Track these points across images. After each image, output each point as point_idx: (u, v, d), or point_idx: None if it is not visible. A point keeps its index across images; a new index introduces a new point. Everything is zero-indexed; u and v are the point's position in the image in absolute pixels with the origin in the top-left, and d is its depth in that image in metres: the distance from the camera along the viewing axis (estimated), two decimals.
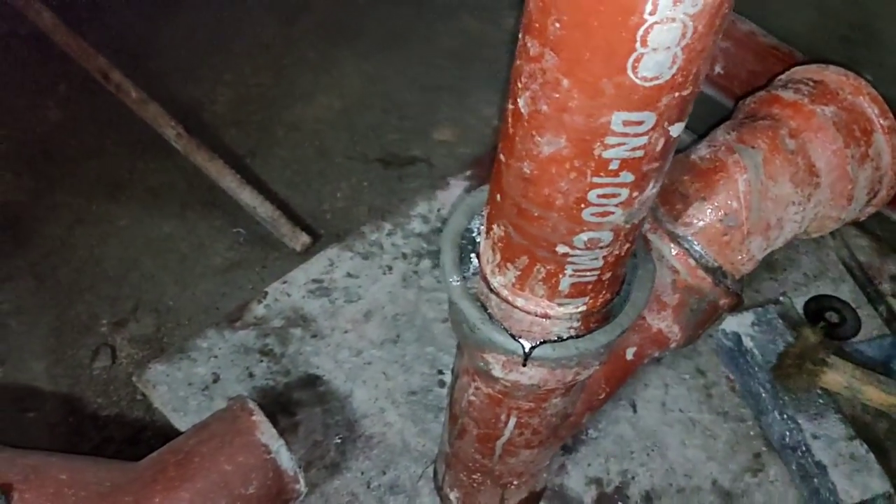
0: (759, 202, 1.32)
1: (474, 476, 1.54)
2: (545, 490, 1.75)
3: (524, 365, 1.12)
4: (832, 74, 1.44)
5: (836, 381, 1.83)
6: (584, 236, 0.96)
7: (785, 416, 1.85)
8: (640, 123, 0.82)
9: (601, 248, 0.99)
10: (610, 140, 0.84)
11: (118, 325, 2.05)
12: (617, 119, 0.81)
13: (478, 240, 1.17)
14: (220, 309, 2.09)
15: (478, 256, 1.16)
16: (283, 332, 1.99)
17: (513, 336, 1.10)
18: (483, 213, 1.11)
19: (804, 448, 1.80)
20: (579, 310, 1.09)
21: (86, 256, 2.20)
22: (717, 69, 2.38)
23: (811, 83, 1.43)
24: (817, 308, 2.18)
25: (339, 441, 1.81)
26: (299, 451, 1.78)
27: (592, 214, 0.93)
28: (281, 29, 2.88)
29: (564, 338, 1.10)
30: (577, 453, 1.84)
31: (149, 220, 2.29)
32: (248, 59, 2.77)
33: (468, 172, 2.39)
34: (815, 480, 1.78)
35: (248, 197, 2.25)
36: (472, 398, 1.35)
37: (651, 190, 0.94)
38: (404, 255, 2.16)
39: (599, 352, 1.15)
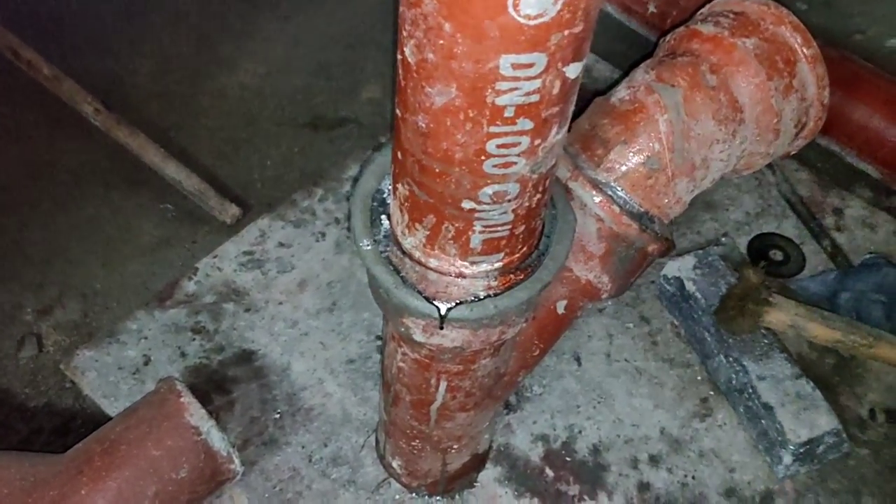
0: (682, 142, 1.28)
1: (413, 443, 1.51)
2: (490, 451, 1.72)
3: (441, 328, 1.08)
4: (753, 5, 1.40)
5: (780, 320, 1.81)
6: (489, 190, 0.92)
7: (730, 358, 1.83)
8: (530, 66, 0.78)
9: (509, 201, 0.95)
10: (501, 86, 0.79)
11: (44, 313, 1.98)
12: (505, 63, 0.77)
13: (388, 201, 1.13)
14: (150, 289, 2.03)
15: (389, 218, 1.11)
16: (215, 308, 1.93)
17: (427, 299, 1.06)
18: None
19: (750, 390, 1.78)
20: (495, 267, 1.05)
21: (7, 244, 2.12)
22: (651, 8, 2.33)
23: (731, 15, 1.39)
24: (761, 246, 2.16)
25: (277, 416, 1.77)
26: (236, 429, 1.74)
27: (495, 166, 0.89)
28: None
29: (482, 297, 1.06)
30: (522, 411, 1.82)
31: (72, 202, 2.21)
32: (166, 29, 2.67)
33: None
34: (763, 422, 1.76)
35: (173, 171, 2.18)
36: (401, 364, 1.31)
37: (555, 137, 0.90)
38: (337, 221, 2.11)
39: (522, 309, 1.12)
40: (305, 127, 2.44)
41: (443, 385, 1.30)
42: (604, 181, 1.29)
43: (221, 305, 1.94)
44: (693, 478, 1.76)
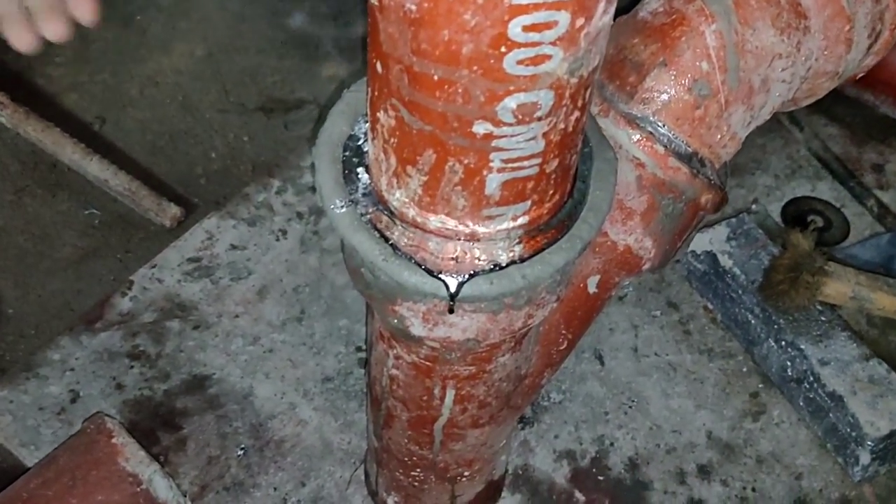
0: (737, 59, 1.05)
1: (413, 473, 1.28)
2: (506, 476, 1.49)
3: (452, 311, 0.83)
4: None
5: (839, 291, 1.61)
6: (512, 101, 0.67)
7: (783, 343, 1.64)
8: None
9: (539, 118, 0.70)
10: None
11: None
12: None
13: (366, 148, 0.87)
14: (75, 310, 1.82)
15: (367, 170, 0.86)
16: (156, 328, 1.71)
17: (431, 272, 0.80)
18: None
19: (812, 378, 1.59)
20: (519, 223, 0.81)
21: None
22: None
23: None
24: (797, 213, 1.98)
25: (241, 453, 1.56)
26: (190, 472, 1.51)
27: (520, 63, 0.64)
28: None
29: (504, 265, 0.81)
30: (541, 424, 1.61)
31: None
32: None
33: None
34: (831, 415, 1.57)
35: (96, 169, 1.97)
36: (394, 372, 1.07)
37: (602, 17, 0.66)
38: (300, 215, 1.89)
39: (555, 280, 0.88)
40: (256, 112, 2.24)
41: (450, 395, 1.06)
42: (640, 115, 1.05)
43: (164, 324, 1.71)
44: (753, 489, 1.55)
